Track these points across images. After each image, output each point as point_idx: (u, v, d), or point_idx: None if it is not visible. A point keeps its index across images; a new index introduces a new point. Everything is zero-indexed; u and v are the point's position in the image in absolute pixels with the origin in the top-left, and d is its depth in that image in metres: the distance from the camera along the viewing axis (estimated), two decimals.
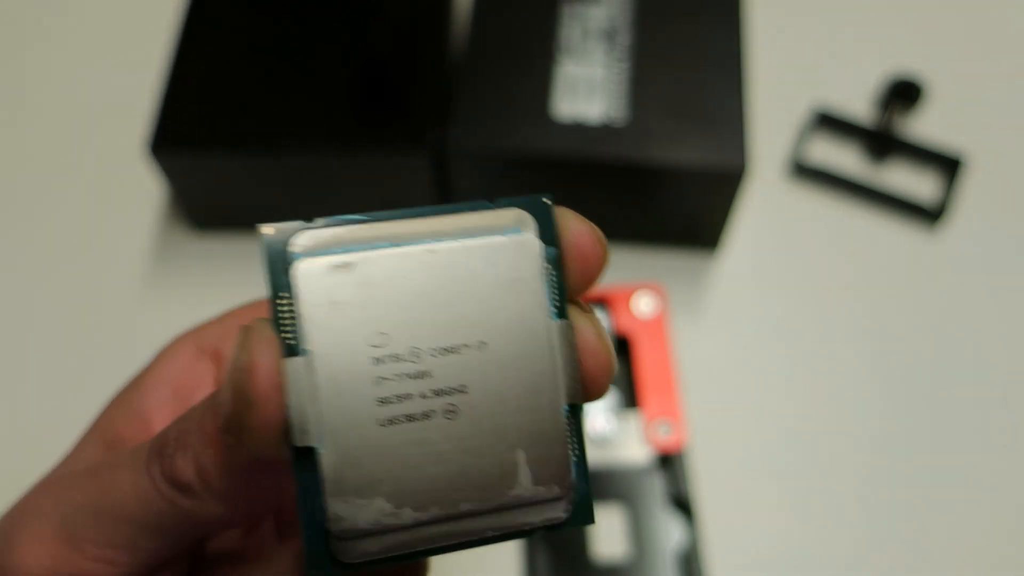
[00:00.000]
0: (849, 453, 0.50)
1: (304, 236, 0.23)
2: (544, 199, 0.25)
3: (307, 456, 0.22)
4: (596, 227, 0.25)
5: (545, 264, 0.24)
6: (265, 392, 0.21)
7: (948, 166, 0.58)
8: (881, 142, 0.58)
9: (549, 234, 0.25)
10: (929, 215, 0.56)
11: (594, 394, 0.24)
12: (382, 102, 0.52)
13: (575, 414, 0.24)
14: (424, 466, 0.23)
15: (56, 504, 0.26)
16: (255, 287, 0.56)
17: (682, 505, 0.47)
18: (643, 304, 0.52)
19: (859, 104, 0.61)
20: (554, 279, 0.24)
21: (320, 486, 0.22)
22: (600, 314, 0.52)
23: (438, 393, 0.23)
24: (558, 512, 0.24)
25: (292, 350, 0.22)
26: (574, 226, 0.25)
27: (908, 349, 0.53)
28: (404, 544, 0.23)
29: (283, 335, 0.22)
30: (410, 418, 0.22)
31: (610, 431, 0.49)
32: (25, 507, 0.27)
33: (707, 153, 0.49)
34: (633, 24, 0.54)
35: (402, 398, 0.22)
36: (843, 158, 0.60)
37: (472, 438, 0.23)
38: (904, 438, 0.51)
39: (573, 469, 0.24)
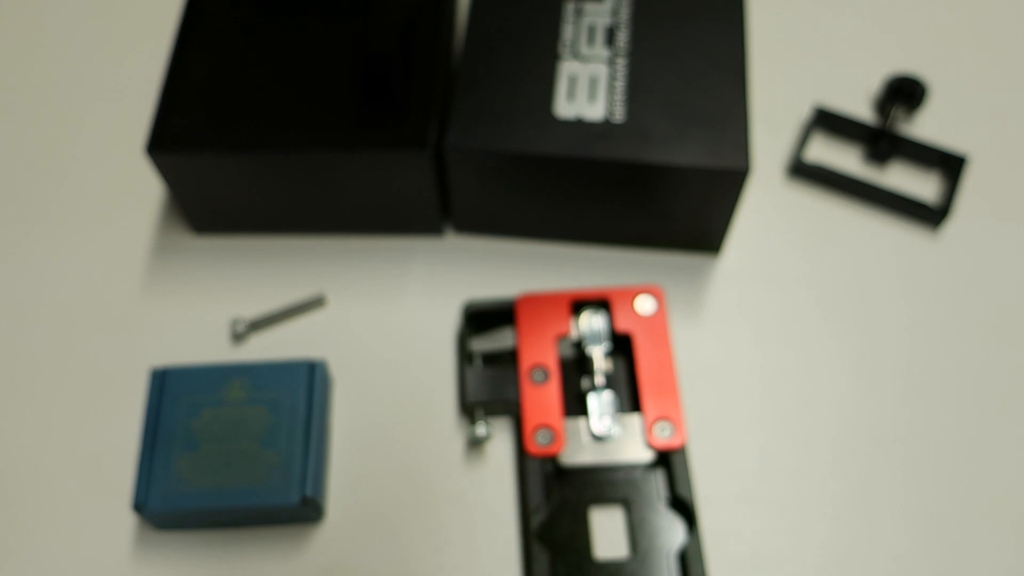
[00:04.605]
0: (849, 453, 0.50)
1: None
2: None
3: None
4: None
5: None
6: None
7: (952, 165, 0.58)
8: (882, 142, 0.58)
9: None
10: (934, 214, 0.56)
11: None
12: (382, 102, 0.52)
13: None
14: None
15: None
16: (254, 288, 0.56)
17: (682, 505, 0.47)
18: (643, 307, 0.52)
19: (860, 106, 0.61)
20: None
21: None
22: (601, 316, 0.52)
23: None
24: None
25: None
26: None
27: (909, 350, 0.53)
28: None
29: None
30: None
31: (611, 432, 0.49)
32: None
33: (708, 153, 0.49)
34: (635, 24, 0.54)
35: None
36: (844, 159, 0.60)
37: None
38: (905, 438, 0.51)
39: None
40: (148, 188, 0.59)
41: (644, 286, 0.52)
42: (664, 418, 0.49)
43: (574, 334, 0.52)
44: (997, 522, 0.48)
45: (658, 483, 0.49)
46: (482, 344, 0.52)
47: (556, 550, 0.47)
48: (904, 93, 0.59)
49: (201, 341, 0.54)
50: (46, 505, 0.50)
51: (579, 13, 0.55)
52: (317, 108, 0.52)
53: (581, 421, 0.49)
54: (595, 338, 0.51)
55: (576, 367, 0.52)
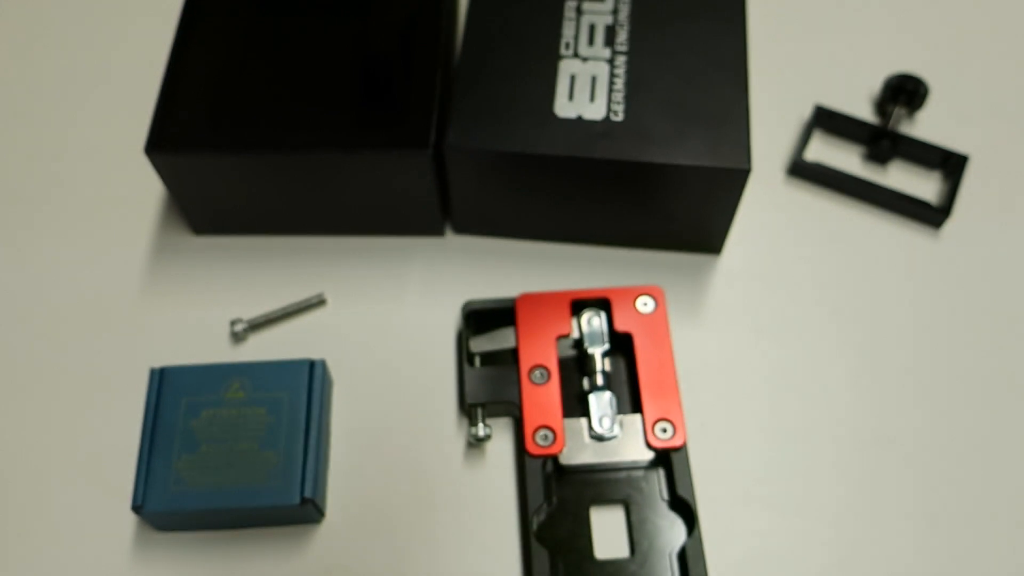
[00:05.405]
0: (850, 453, 0.50)
1: None
2: None
3: None
4: None
5: None
6: None
7: (953, 165, 0.58)
8: (883, 141, 0.58)
9: None
10: (935, 214, 0.56)
11: None
12: (382, 102, 0.52)
13: None
14: None
15: None
16: (254, 288, 0.56)
17: (682, 505, 0.47)
18: (643, 307, 0.52)
19: (860, 106, 0.61)
20: None
21: None
22: (601, 316, 0.52)
23: None
24: None
25: None
26: None
27: (910, 350, 0.53)
28: None
29: None
30: None
31: (611, 432, 0.49)
32: None
33: (708, 153, 0.49)
34: (635, 23, 0.54)
35: None
36: (844, 158, 0.59)
37: None
38: (906, 438, 0.51)
39: None
40: (148, 188, 0.59)
41: (644, 286, 0.52)
42: (664, 418, 0.49)
43: (574, 334, 0.52)
44: (1001, 523, 0.48)
45: (658, 483, 0.49)
46: (482, 344, 0.52)
47: (556, 550, 0.47)
48: (906, 92, 0.59)
49: (201, 341, 0.54)
50: (46, 505, 0.50)
51: (579, 12, 0.55)
52: (317, 108, 0.52)
53: (581, 421, 0.49)
54: (595, 338, 0.51)
55: (576, 367, 0.52)
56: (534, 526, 0.47)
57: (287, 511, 0.47)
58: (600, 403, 0.49)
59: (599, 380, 0.50)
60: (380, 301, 0.55)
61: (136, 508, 0.46)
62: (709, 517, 0.49)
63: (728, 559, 0.48)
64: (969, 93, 0.62)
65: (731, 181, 0.50)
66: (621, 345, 0.52)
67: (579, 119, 0.51)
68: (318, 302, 0.55)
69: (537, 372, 0.50)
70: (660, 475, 0.49)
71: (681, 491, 0.47)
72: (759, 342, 0.54)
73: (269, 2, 0.56)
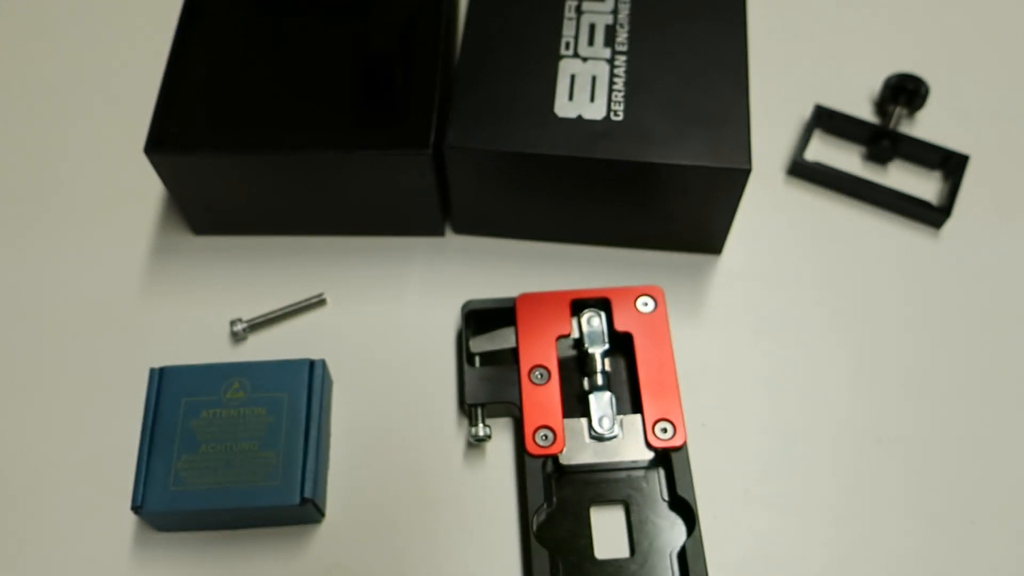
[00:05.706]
0: (850, 453, 0.50)
1: None
2: None
3: None
4: None
5: None
6: None
7: (954, 165, 0.58)
8: (884, 141, 0.58)
9: None
10: (936, 214, 0.56)
11: None
12: (382, 102, 0.52)
13: None
14: None
15: None
16: (254, 288, 0.56)
17: (682, 505, 0.47)
18: (643, 307, 0.52)
19: (861, 106, 0.61)
20: None
21: None
22: (600, 316, 0.52)
23: None
24: None
25: None
26: None
27: (911, 349, 0.53)
28: None
29: None
30: None
31: (611, 432, 0.49)
32: None
33: (708, 153, 0.49)
34: (635, 23, 0.54)
35: None
36: (845, 158, 0.59)
37: None
38: (906, 438, 0.51)
39: None
40: (148, 188, 0.59)
41: (644, 286, 0.52)
42: (664, 418, 0.49)
43: (574, 334, 0.52)
44: (1000, 522, 0.48)
45: (658, 483, 0.48)
46: (482, 344, 0.52)
47: (556, 550, 0.47)
48: (906, 92, 0.59)
49: (201, 341, 0.54)
50: (46, 505, 0.50)
51: (579, 12, 0.55)
52: (317, 108, 0.52)
53: (581, 421, 0.49)
54: (595, 338, 0.51)
55: (576, 367, 0.52)
56: (534, 526, 0.47)
57: (287, 511, 0.47)
58: (600, 403, 0.49)
59: (599, 380, 0.50)
60: (380, 301, 0.55)
61: (136, 508, 0.46)
62: (709, 517, 0.49)
63: (728, 559, 0.48)
64: (969, 93, 0.62)
65: (731, 181, 0.50)
66: (621, 345, 0.52)
67: (579, 119, 0.51)
68: (318, 302, 0.55)
69: (537, 372, 0.50)
70: (660, 475, 0.49)
71: (681, 491, 0.47)
72: (759, 342, 0.54)
73: (269, 2, 0.56)
